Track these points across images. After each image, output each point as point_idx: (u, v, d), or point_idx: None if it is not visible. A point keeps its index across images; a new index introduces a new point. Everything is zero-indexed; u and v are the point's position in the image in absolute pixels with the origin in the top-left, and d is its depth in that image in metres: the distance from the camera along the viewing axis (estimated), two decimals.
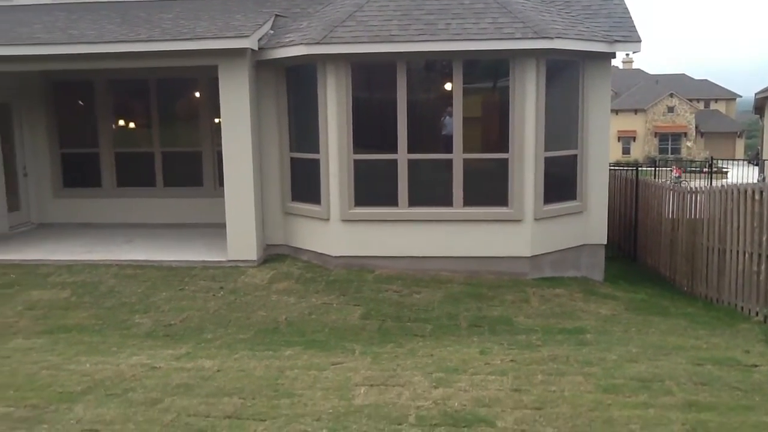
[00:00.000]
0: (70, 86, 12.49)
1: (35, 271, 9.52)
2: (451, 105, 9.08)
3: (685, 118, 60.21)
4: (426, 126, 9.44)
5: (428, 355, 6.17)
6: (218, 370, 5.65)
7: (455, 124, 9.06)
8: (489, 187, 9.31)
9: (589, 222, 9.76)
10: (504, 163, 9.10)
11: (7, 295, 8.60)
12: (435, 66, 9.53)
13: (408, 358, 6.09)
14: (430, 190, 9.32)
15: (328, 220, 9.40)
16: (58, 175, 12.63)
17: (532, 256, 9.20)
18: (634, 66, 72.65)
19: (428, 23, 9.01)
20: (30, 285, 8.95)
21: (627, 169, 13.80)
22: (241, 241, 9.64)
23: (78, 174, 12.61)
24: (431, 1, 9.36)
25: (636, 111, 60.68)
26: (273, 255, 10.11)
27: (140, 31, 9.66)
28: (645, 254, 12.36)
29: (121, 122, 12.69)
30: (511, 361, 5.90)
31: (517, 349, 6.43)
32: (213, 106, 11.80)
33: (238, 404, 4.77)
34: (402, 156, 9.13)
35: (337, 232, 9.38)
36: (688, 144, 59.75)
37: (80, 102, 12.73)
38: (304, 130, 9.76)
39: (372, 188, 9.36)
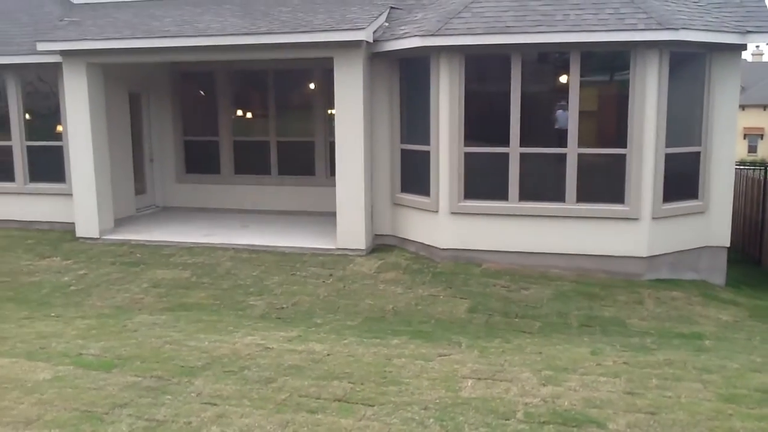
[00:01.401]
0: (194, 77, 13.13)
1: (159, 251, 10.11)
2: (566, 98, 8.86)
3: None
4: (539, 119, 9.26)
5: (537, 353, 6.07)
6: (328, 354, 5.79)
7: (571, 118, 8.83)
8: (604, 184, 9.02)
9: (711, 222, 9.27)
10: (621, 158, 8.79)
11: (134, 273, 9.18)
12: (550, 58, 9.31)
13: (516, 354, 6.02)
14: (541, 184, 9.15)
15: (436, 212, 9.41)
16: (181, 162, 13.32)
17: (648, 257, 8.85)
18: (765, 58, 68.09)
19: (545, 14, 8.82)
20: (155, 264, 9.52)
21: (754, 169, 12.99)
22: (350, 230, 9.82)
23: (199, 161, 13.25)
24: None
25: (765, 107, 56.80)
26: (380, 245, 10.25)
27: (260, 24, 10.01)
28: None
29: (240, 112, 13.21)
30: (624, 363, 5.71)
31: (631, 351, 6.22)
32: (327, 97, 12.09)
33: (347, 388, 4.87)
34: (514, 149, 9.01)
35: (445, 224, 9.38)
36: None
37: (202, 92, 13.34)
38: (415, 121, 9.81)
39: (482, 181, 9.30)
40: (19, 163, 11.85)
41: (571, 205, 8.95)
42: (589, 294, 8.30)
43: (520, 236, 9.15)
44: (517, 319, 7.57)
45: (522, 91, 8.94)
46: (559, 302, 8.04)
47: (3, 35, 11.91)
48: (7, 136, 11.85)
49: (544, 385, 5.04)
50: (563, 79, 8.96)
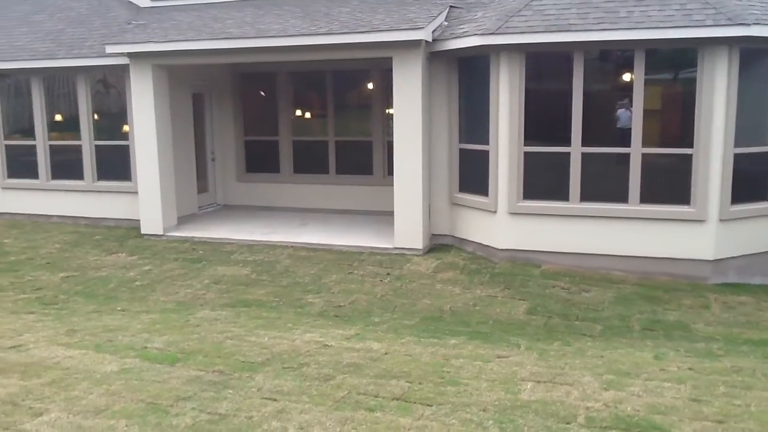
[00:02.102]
0: (255, 77, 13.34)
1: (220, 248, 10.33)
2: (629, 96, 8.67)
3: None
4: (601, 118, 9.07)
5: (598, 356, 5.95)
6: (386, 353, 5.81)
7: (635, 117, 8.63)
8: (668, 184, 8.78)
9: None
10: (687, 158, 8.54)
11: (197, 270, 9.39)
12: (613, 56, 9.12)
13: (576, 357, 5.92)
14: (603, 184, 8.96)
15: (495, 212, 9.33)
16: (242, 161, 13.57)
17: (714, 260, 8.58)
18: None
19: (609, 11, 8.64)
20: (216, 261, 9.73)
21: None
22: (408, 230, 9.83)
23: (259, 160, 13.47)
24: None
25: None
26: (438, 244, 10.22)
27: (320, 25, 10.10)
28: None
29: (299, 112, 13.36)
30: (689, 369, 5.55)
31: (696, 357, 6.04)
32: (385, 96, 12.14)
33: (405, 387, 4.87)
34: (575, 149, 8.85)
35: (503, 224, 9.29)
36: None
37: (263, 92, 13.55)
38: (474, 121, 9.75)
39: (542, 181, 9.18)
40: (88, 161, 12.27)
41: (634, 206, 8.74)
42: (652, 297, 8.10)
43: (580, 237, 8.99)
44: (577, 322, 7.44)
45: (584, 90, 8.78)
46: (620, 305, 7.87)
47: (76, 39, 12.36)
48: (77, 135, 12.29)
49: (605, 389, 4.93)
50: (627, 77, 8.77)
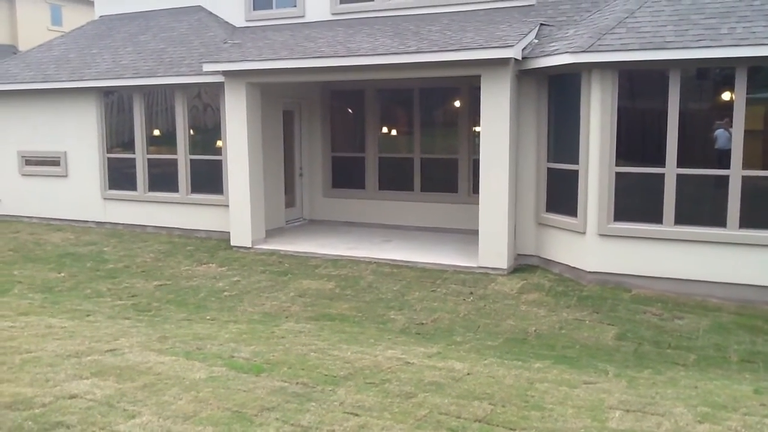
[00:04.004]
0: (344, 95, 13.57)
1: (306, 262, 10.50)
2: (728, 116, 8.30)
3: None
4: (698, 138, 8.73)
5: (691, 387, 5.68)
6: (468, 373, 5.73)
7: (735, 138, 8.25)
8: None
9: None
10: None
11: (283, 282, 9.58)
12: (712, 74, 8.76)
13: (668, 386, 5.66)
14: (699, 207, 8.59)
15: (583, 233, 9.10)
16: (328, 177, 13.79)
17: None
18: None
19: (708, 27, 8.33)
20: (301, 275, 9.89)
21: None
22: (492, 249, 9.71)
23: (345, 176, 13.65)
24: (714, 4, 8.64)
25: None
26: (523, 265, 10.05)
27: (410, 44, 10.18)
28: None
29: (385, 129, 13.47)
30: None
31: None
32: (471, 114, 12.09)
33: (487, 409, 4.79)
34: (670, 170, 8.54)
35: (592, 246, 9.04)
36: None
37: (350, 110, 13.76)
38: (563, 140, 9.56)
39: (634, 203, 8.89)
40: (183, 174, 12.77)
41: (732, 231, 8.33)
42: (752, 327, 7.67)
43: (674, 262, 8.64)
44: (669, 350, 7.13)
45: (680, 109, 8.48)
46: (716, 334, 7.49)
47: (175, 57, 12.94)
48: (174, 149, 12.83)
49: (700, 422, 4.69)
50: (726, 96, 8.41)
